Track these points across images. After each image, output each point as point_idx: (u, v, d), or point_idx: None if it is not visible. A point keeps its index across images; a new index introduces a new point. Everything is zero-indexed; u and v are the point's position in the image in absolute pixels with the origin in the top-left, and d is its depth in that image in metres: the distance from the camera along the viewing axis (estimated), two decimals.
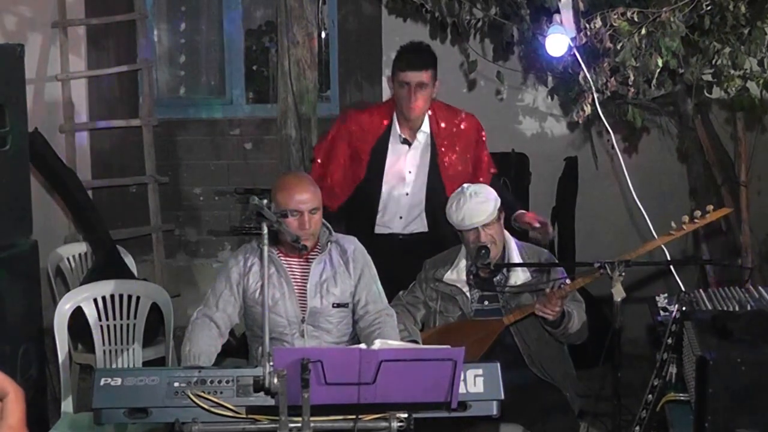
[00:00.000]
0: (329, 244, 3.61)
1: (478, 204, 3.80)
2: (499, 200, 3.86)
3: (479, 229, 3.78)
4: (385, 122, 4.31)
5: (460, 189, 3.89)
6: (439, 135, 4.30)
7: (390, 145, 4.30)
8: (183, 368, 2.73)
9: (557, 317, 3.63)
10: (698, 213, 3.46)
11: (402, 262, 4.13)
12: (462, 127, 4.34)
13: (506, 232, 3.92)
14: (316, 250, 3.60)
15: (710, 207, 3.51)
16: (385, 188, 4.31)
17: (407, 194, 4.34)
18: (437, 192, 4.29)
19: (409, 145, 4.31)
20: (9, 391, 1.09)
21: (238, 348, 3.61)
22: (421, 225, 4.37)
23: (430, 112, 4.29)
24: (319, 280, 3.56)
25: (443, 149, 4.29)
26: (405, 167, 4.32)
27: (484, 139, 4.42)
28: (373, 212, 4.33)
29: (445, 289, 3.90)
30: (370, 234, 4.25)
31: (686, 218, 3.46)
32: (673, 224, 3.48)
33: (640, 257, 3.57)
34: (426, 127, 4.29)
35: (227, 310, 3.54)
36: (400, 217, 4.35)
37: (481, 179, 4.27)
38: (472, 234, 3.80)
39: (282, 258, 3.57)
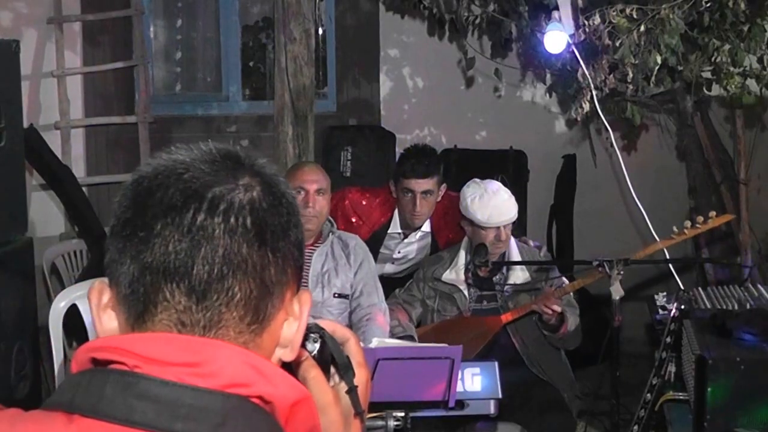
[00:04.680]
0: (330, 235, 3.64)
1: (505, 202, 3.76)
2: None
3: (501, 228, 3.74)
4: (384, 219, 4.21)
5: (474, 184, 3.83)
6: (440, 229, 4.20)
7: (385, 240, 4.23)
8: None
9: (556, 320, 3.61)
10: (700, 218, 3.46)
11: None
12: (451, 205, 4.16)
13: None
14: (318, 241, 3.62)
15: (713, 213, 3.51)
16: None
17: (393, 263, 4.31)
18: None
19: (405, 236, 4.24)
20: (349, 336, 1.17)
21: None
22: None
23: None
24: (321, 271, 3.58)
25: (441, 234, 4.20)
26: (394, 250, 4.26)
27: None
28: None
29: (444, 288, 3.89)
30: None
31: (688, 223, 3.46)
32: (675, 228, 3.47)
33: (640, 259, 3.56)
34: (427, 226, 4.19)
35: None
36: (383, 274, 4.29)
37: None
38: (492, 232, 3.75)
39: None
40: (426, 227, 4.20)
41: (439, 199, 4.12)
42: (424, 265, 4.00)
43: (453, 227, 4.09)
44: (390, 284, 4.10)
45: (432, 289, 3.92)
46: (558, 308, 3.57)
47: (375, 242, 4.16)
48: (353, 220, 4.20)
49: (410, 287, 3.97)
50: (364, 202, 4.24)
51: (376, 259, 4.09)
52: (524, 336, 3.80)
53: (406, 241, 4.24)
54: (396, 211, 4.19)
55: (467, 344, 3.26)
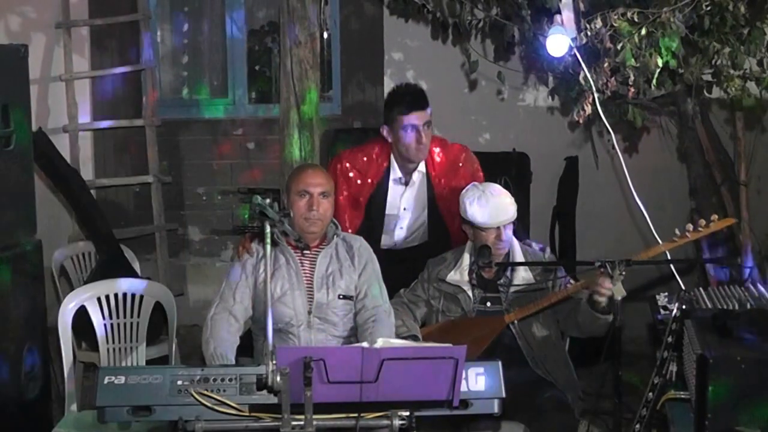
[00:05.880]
0: (335, 237, 3.69)
1: (503, 202, 3.81)
2: None
3: (501, 228, 3.79)
4: (383, 165, 4.28)
5: (473, 187, 3.89)
6: (435, 172, 4.27)
7: (389, 188, 4.29)
8: (187, 366, 2.75)
9: (606, 303, 3.55)
10: (703, 222, 3.49)
11: (400, 265, 4.19)
12: (458, 162, 4.31)
13: None
14: (322, 243, 3.66)
15: (715, 216, 3.54)
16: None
17: (402, 228, 4.36)
18: (437, 219, 4.32)
19: (406, 184, 4.30)
20: None
21: (242, 346, 3.64)
22: (421, 242, 4.42)
23: None
24: (326, 273, 3.62)
25: (440, 187, 4.27)
26: (400, 205, 4.32)
27: (480, 173, 4.38)
28: (378, 236, 4.36)
29: (448, 289, 3.92)
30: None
31: (690, 226, 3.49)
32: (677, 231, 3.51)
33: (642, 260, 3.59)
34: (422, 166, 4.26)
35: (244, 302, 3.59)
36: (396, 244, 4.40)
37: None
38: (493, 233, 3.80)
39: (292, 249, 3.62)
40: (421, 167, 4.26)
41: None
42: (429, 266, 4.04)
43: (449, 175, 4.23)
44: (399, 257, 4.25)
45: (436, 290, 3.95)
46: (608, 290, 3.48)
47: (380, 193, 4.26)
48: (351, 174, 4.26)
49: (415, 287, 4.02)
50: (361, 157, 4.29)
51: (383, 218, 4.25)
52: (529, 337, 3.83)
53: (408, 189, 4.29)
54: (392, 159, 4.25)
55: (471, 345, 3.29)
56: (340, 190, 4.23)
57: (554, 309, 3.82)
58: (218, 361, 3.37)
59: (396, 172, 4.27)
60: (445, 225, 4.32)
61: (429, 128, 4.14)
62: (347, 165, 4.28)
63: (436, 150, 4.27)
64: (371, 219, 4.33)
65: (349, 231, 4.19)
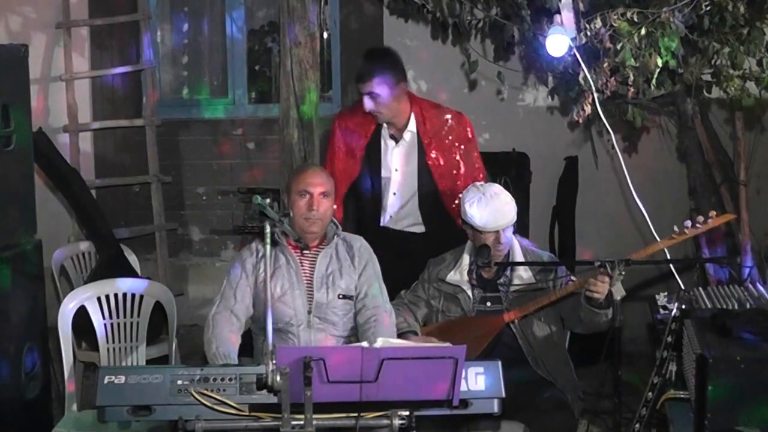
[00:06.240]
0: (336, 237, 3.69)
1: (503, 205, 3.79)
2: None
3: (500, 231, 3.78)
4: (374, 125, 4.37)
5: (474, 188, 3.88)
6: (425, 134, 4.33)
7: (382, 140, 4.38)
8: (187, 366, 2.76)
9: (605, 298, 3.52)
10: (701, 218, 3.48)
11: (400, 262, 4.18)
12: (449, 125, 4.36)
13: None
14: (323, 243, 3.67)
15: (713, 213, 3.53)
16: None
17: (395, 194, 4.39)
18: (430, 191, 4.36)
19: (396, 141, 4.37)
20: None
21: (243, 346, 3.64)
22: (416, 225, 4.42)
23: (415, 112, 4.33)
24: (326, 273, 3.62)
25: (430, 149, 4.32)
26: (392, 165, 4.38)
27: (471, 137, 4.42)
28: (378, 204, 4.42)
29: (448, 289, 3.92)
30: (376, 227, 4.38)
31: (689, 223, 3.49)
32: (675, 228, 3.50)
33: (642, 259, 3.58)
34: (412, 126, 4.34)
35: (245, 301, 3.60)
36: (390, 216, 4.42)
37: (480, 177, 4.32)
38: (492, 236, 3.79)
39: (292, 249, 3.62)
40: (412, 128, 4.34)
41: (397, 96, 4.25)
42: (429, 266, 4.04)
43: (437, 137, 4.30)
44: (397, 244, 4.28)
45: (436, 290, 3.96)
46: (605, 288, 3.45)
47: (375, 146, 4.36)
48: (347, 130, 4.40)
49: (416, 288, 4.02)
50: (356, 115, 4.41)
51: (380, 181, 4.31)
52: (530, 336, 3.83)
53: (398, 147, 4.36)
54: None
55: (471, 344, 3.28)
56: (339, 145, 4.41)
57: (557, 306, 3.82)
58: (220, 361, 3.38)
59: (386, 128, 4.39)
60: (443, 207, 4.36)
61: (377, 97, 4.21)
62: (344, 122, 4.44)
63: (427, 113, 4.36)
64: (372, 185, 4.40)
65: (344, 182, 4.35)
